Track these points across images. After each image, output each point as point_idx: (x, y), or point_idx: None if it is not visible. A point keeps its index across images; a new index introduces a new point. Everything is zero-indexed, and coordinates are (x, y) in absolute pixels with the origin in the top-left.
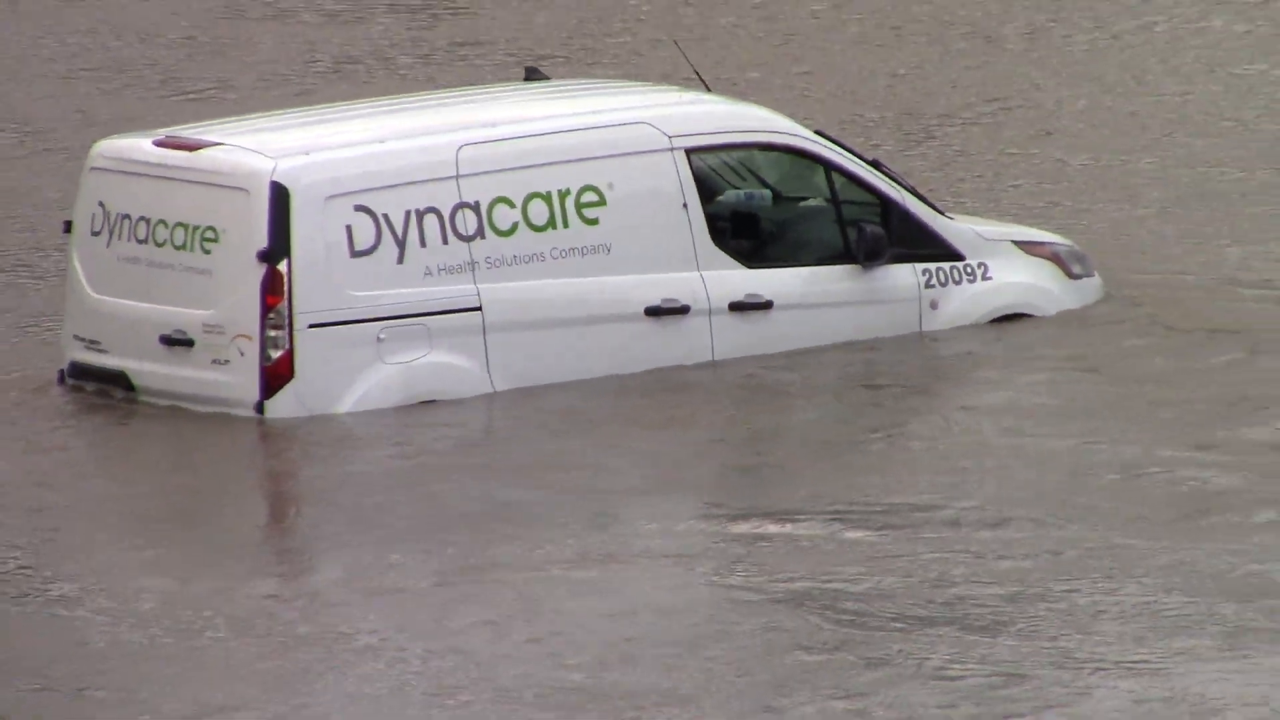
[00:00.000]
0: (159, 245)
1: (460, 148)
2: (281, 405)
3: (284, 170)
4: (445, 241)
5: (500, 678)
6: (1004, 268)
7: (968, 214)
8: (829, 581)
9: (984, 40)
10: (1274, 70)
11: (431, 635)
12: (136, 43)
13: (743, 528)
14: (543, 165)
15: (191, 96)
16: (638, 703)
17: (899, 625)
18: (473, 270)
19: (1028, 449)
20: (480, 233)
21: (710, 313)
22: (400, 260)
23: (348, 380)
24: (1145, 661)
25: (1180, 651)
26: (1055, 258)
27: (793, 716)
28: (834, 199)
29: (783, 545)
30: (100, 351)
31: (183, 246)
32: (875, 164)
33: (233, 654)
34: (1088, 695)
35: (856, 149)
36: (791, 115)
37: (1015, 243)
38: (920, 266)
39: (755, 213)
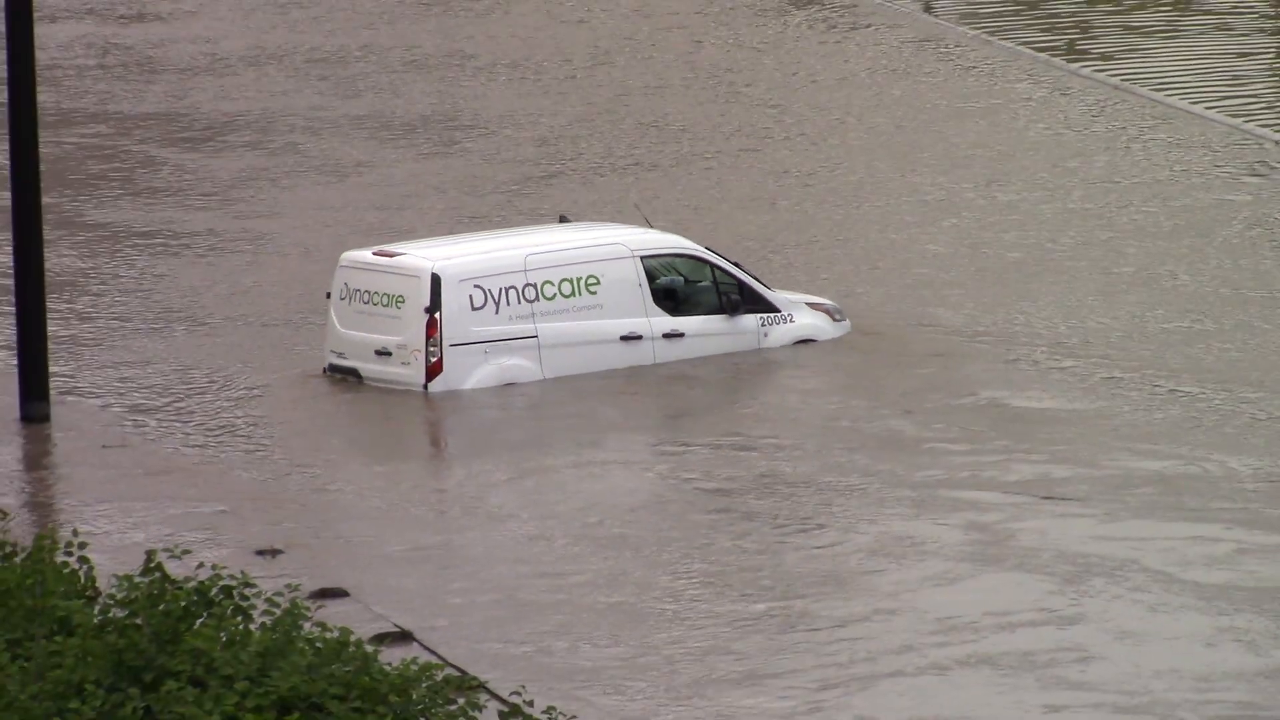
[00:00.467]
0: (375, 304)
1: (527, 255)
2: (436, 385)
3: (438, 266)
4: (519, 303)
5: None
6: (801, 316)
7: (782, 286)
8: (715, 477)
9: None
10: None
11: (520, 507)
12: None
13: (668, 447)
14: (569, 264)
15: None
16: (625, 545)
17: (755, 495)
18: (533, 318)
19: (812, 408)
20: (537, 299)
21: (653, 339)
22: (496, 312)
23: (469, 373)
24: None
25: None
26: (827, 311)
27: (700, 551)
28: (715, 281)
29: (690, 455)
30: (344, 358)
31: (388, 305)
32: (736, 264)
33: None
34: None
35: (726, 255)
36: (691, 236)
37: (806, 303)
38: (758, 315)
39: (675, 288)
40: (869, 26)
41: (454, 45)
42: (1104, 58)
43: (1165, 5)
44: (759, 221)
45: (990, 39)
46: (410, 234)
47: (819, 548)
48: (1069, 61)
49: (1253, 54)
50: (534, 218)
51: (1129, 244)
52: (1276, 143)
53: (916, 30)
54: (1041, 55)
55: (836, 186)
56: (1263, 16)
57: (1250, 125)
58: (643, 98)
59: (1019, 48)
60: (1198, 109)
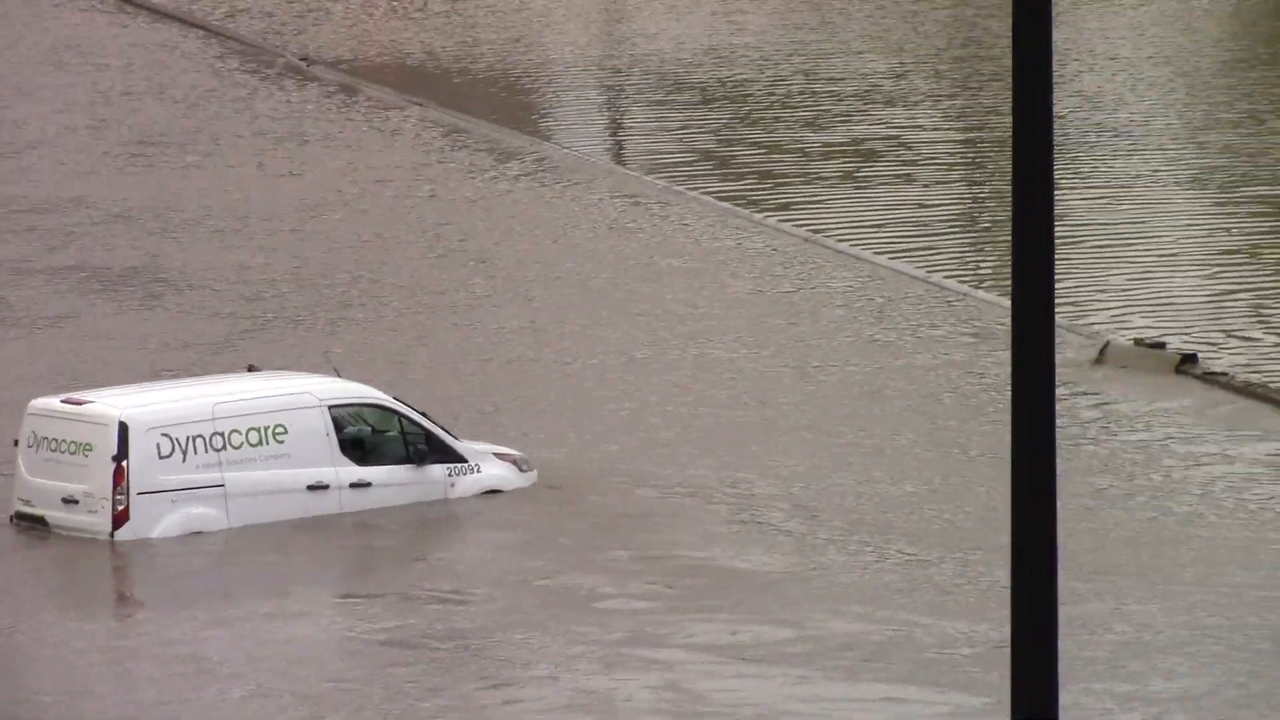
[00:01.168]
0: (63, 452)
1: (215, 404)
2: (123, 533)
3: (126, 414)
4: (207, 452)
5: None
6: (488, 466)
7: (470, 437)
8: (405, 630)
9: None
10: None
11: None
12: None
13: (355, 600)
14: (257, 413)
15: None
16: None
17: (446, 649)
18: (221, 467)
19: (499, 561)
20: (224, 448)
21: (340, 489)
22: (184, 461)
23: (156, 521)
24: None
25: None
26: (514, 461)
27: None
28: (402, 431)
29: (378, 607)
30: (30, 506)
31: (75, 453)
32: (423, 413)
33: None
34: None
35: (414, 405)
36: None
37: (494, 453)
38: (445, 466)
39: (362, 438)
40: (575, 183)
41: (161, 198)
42: (784, 207)
43: (847, 155)
44: (466, 374)
45: (680, 189)
46: (106, 385)
47: (512, 704)
48: (756, 211)
49: (937, 205)
50: (233, 370)
51: (847, 404)
52: (966, 295)
53: (612, 183)
54: (728, 205)
55: (543, 341)
56: (946, 167)
57: (938, 277)
58: (353, 252)
59: (706, 198)
60: (881, 259)
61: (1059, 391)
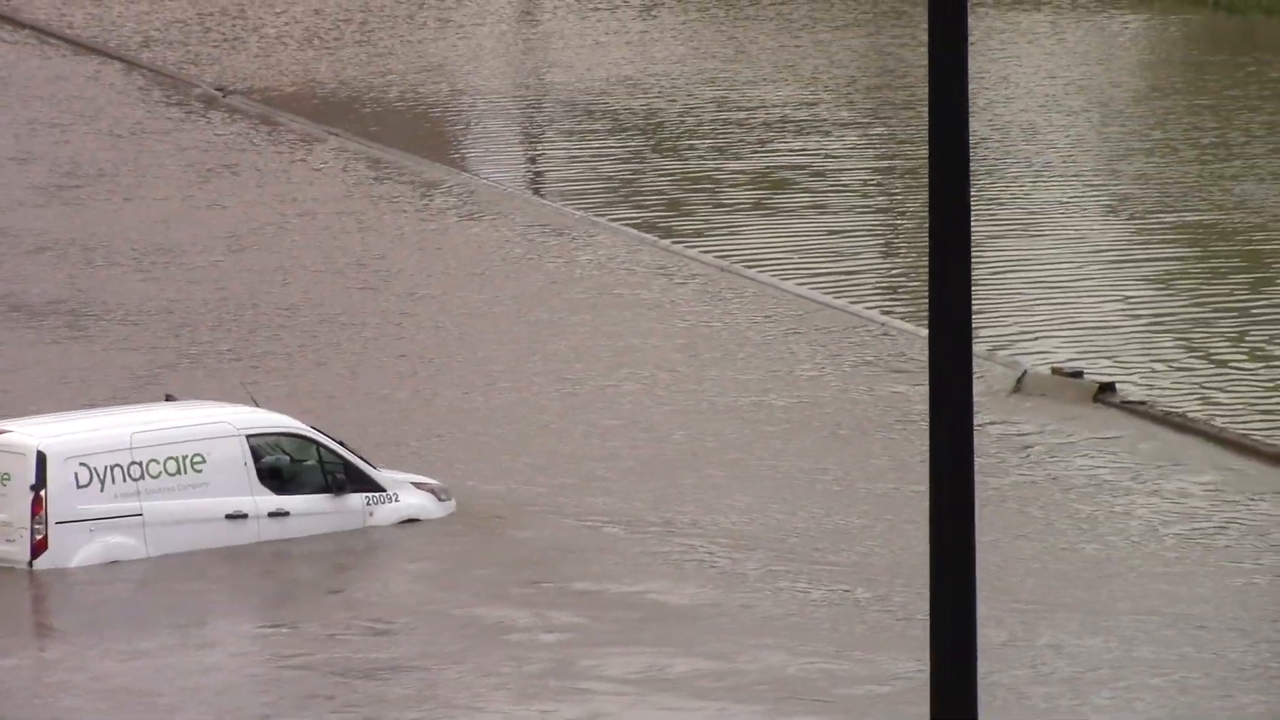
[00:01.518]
0: None
1: (133, 434)
2: (42, 563)
3: (44, 444)
4: (125, 481)
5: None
6: (406, 495)
7: (392, 467)
8: (325, 660)
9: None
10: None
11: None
12: None
13: (273, 629)
14: (175, 443)
15: None
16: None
17: (364, 680)
18: (139, 496)
19: (415, 591)
20: (143, 477)
21: (258, 518)
22: (102, 490)
23: (75, 551)
24: None
25: None
26: (432, 490)
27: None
28: (320, 460)
29: (296, 637)
30: None
31: None
32: (340, 442)
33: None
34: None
35: (334, 435)
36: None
37: (412, 483)
38: (364, 495)
39: (281, 467)
40: (496, 214)
41: (87, 230)
42: (697, 234)
43: (756, 184)
44: (390, 405)
45: (598, 219)
46: (25, 415)
47: None
48: (668, 239)
49: (850, 233)
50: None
51: (774, 436)
52: (882, 325)
53: (531, 214)
54: (648, 236)
55: (467, 373)
56: (859, 195)
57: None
58: (277, 284)
59: (626, 228)
60: (803, 289)
61: (977, 420)
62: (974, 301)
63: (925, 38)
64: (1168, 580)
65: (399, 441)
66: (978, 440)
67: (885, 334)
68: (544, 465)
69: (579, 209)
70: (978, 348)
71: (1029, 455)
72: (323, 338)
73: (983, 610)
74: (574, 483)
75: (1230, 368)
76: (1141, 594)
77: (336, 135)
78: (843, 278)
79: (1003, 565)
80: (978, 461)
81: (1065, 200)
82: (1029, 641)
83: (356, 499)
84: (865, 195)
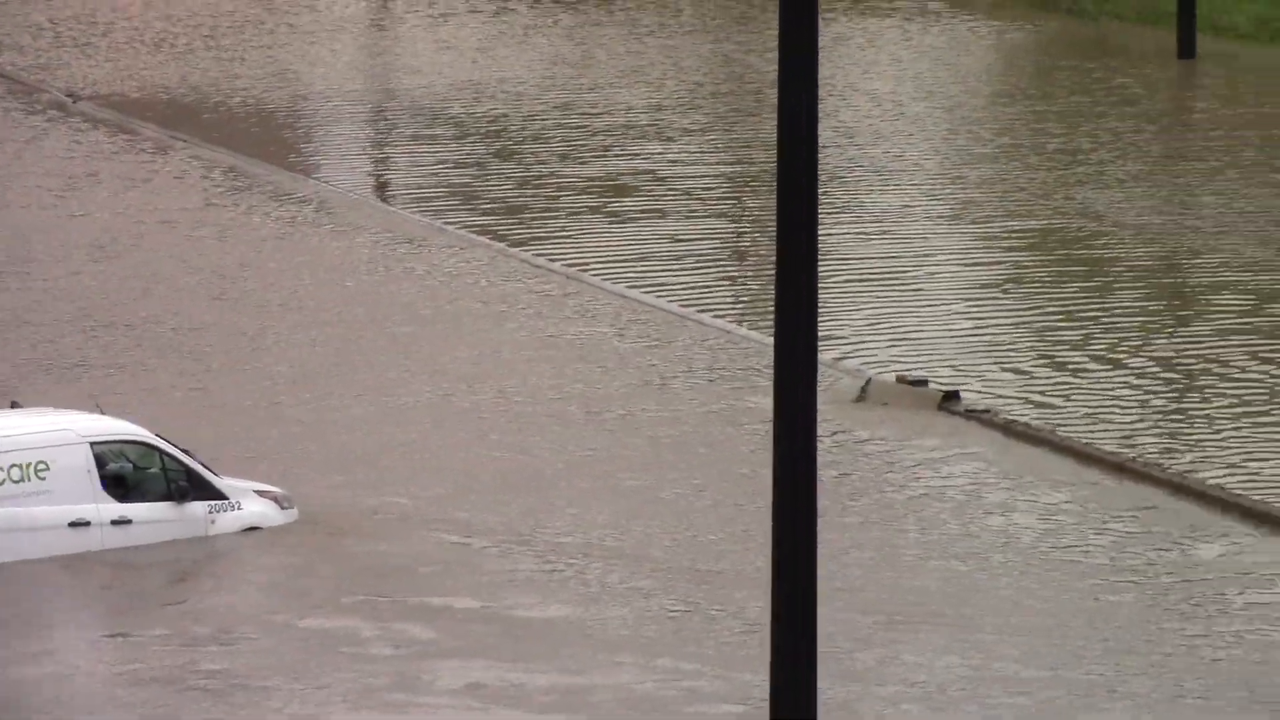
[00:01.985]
0: None
1: None
2: None
3: None
4: None
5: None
6: (249, 503)
7: (240, 476)
8: (166, 671)
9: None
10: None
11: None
12: None
13: (113, 639)
14: (18, 450)
15: None
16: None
17: (206, 694)
18: None
19: (254, 601)
20: None
21: (101, 526)
22: None
23: None
24: None
25: None
26: (275, 498)
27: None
28: (164, 468)
29: (138, 647)
30: None
31: None
32: (185, 450)
33: None
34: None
35: (176, 443)
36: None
37: (254, 490)
38: (206, 503)
39: (124, 474)
40: (352, 225)
41: None
42: (539, 240)
43: (599, 189)
44: (245, 413)
45: (447, 227)
46: None
47: None
48: (512, 246)
49: (695, 240)
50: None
51: (630, 449)
52: (729, 333)
53: (382, 221)
54: (498, 245)
55: (319, 384)
56: (704, 202)
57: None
58: (135, 294)
59: (477, 237)
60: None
61: (821, 429)
62: (820, 308)
63: (773, 44)
64: (1028, 595)
65: (255, 452)
66: (821, 448)
67: (732, 342)
68: (403, 477)
69: (426, 216)
70: (823, 355)
71: (876, 463)
72: (181, 347)
73: (842, 626)
74: (435, 494)
75: (1072, 374)
76: (1005, 608)
77: (184, 142)
78: (686, 285)
79: (852, 575)
80: (820, 469)
81: (908, 205)
82: (895, 658)
83: (199, 507)
84: (709, 202)
